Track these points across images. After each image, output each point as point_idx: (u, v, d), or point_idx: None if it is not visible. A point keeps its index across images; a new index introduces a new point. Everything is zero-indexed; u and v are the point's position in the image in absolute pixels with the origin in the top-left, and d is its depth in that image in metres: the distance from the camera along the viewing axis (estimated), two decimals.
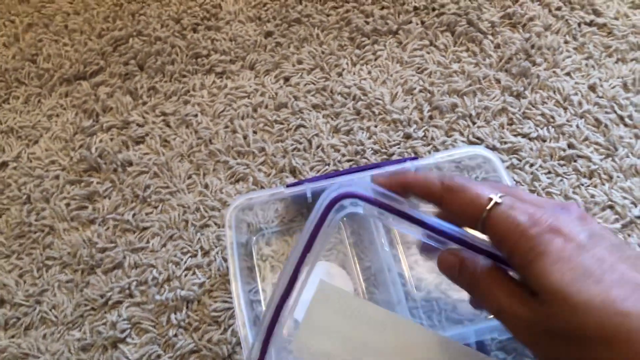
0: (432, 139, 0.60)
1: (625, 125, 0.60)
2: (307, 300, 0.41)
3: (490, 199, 0.34)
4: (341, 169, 0.59)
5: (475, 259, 0.36)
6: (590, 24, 0.68)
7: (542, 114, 0.62)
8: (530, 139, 0.60)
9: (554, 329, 0.30)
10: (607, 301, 0.28)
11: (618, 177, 0.57)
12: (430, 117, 0.62)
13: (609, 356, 0.28)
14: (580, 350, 0.29)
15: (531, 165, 0.58)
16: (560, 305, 0.29)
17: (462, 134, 0.61)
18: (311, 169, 0.59)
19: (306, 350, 0.41)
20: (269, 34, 0.70)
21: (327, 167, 0.59)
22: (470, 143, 0.60)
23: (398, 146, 0.60)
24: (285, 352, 0.41)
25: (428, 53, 0.67)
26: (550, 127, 0.61)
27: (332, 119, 0.63)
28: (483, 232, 0.34)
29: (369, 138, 0.61)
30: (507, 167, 0.58)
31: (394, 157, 0.59)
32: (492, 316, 0.36)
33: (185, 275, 0.54)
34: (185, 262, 0.55)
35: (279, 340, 0.40)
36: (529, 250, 0.31)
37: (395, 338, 0.40)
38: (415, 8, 0.71)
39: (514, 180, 0.57)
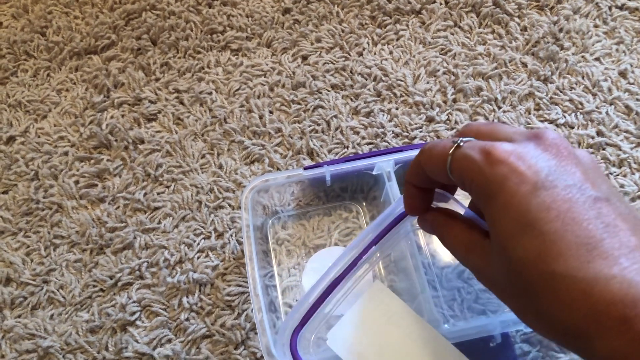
0: (456, 122, 0.58)
1: None
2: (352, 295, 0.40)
3: (453, 144, 0.31)
4: (360, 152, 0.57)
5: (438, 219, 0.35)
6: (622, 7, 0.65)
7: (570, 100, 0.59)
8: (558, 125, 0.58)
9: (498, 279, 0.29)
10: (541, 257, 0.25)
11: None
12: (454, 100, 0.60)
13: (539, 311, 0.26)
14: (518, 301, 0.28)
15: None
16: (503, 259, 0.27)
17: (487, 118, 0.58)
18: (329, 151, 0.57)
19: (341, 343, 0.40)
20: (287, 11, 0.68)
21: (345, 149, 0.57)
22: None
23: (420, 130, 0.58)
24: (317, 336, 0.40)
25: (452, 34, 0.65)
26: (578, 114, 0.58)
27: (351, 100, 0.60)
28: (453, 179, 0.32)
29: (390, 121, 0.59)
30: None
31: (416, 141, 0.57)
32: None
33: (198, 258, 0.52)
34: (199, 244, 0.53)
35: (316, 323, 0.39)
36: (483, 192, 0.29)
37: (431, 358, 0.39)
38: None
39: None
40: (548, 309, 0.25)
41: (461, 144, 0.31)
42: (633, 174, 0.55)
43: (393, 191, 0.49)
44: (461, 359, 0.39)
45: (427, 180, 0.34)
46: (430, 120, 0.59)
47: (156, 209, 0.55)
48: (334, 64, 0.63)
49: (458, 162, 0.30)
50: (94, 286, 0.52)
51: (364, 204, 0.55)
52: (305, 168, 0.50)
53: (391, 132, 0.58)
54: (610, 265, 0.24)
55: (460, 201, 0.37)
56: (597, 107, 0.59)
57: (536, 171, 0.27)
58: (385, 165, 0.50)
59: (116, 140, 0.59)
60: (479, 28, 0.65)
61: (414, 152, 0.50)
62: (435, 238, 0.52)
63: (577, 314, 0.24)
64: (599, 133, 0.57)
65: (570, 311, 0.24)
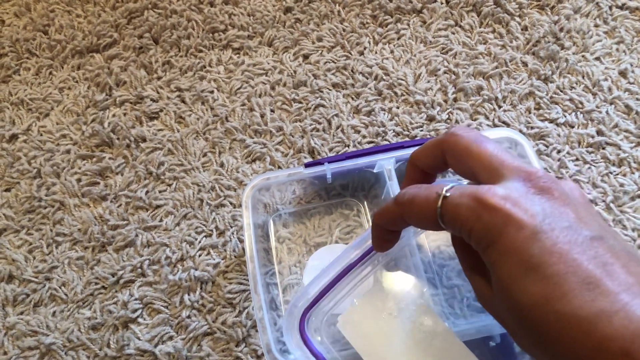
0: (457, 121, 0.58)
1: None
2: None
3: (439, 196, 0.32)
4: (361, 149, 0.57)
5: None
6: (622, 7, 0.66)
7: (571, 99, 0.59)
8: (558, 125, 0.58)
9: (500, 313, 0.30)
10: (546, 299, 0.26)
11: None
12: (455, 100, 0.60)
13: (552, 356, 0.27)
14: (522, 337, 0.29)
15: (558, 152, 0.56)
16: (508, 301, 0.28)
17: (487, 118, 0.59)
18: (330, 150, 0.57)
19: (351, 328, 0.40)
20: (288, 10, 0.68)
21: (346, 148, 0.57)
22: (496, 127, 0.58)
23: (421, 128, 0.58)
24: (329, 318, 0.41)
25: (453, 33, 0.65)
26: (578, 113, 0.59)
27: (352, 98, 0.61)
28: (446, 228, 0.33)
29: (391, 119, 0.59)
30: None
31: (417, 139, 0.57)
32: None
33: (200, 256, 0.52)
34: (200, 242, 0.53)
35: (327, 305, 0.40)
36: (483, 239, 0.30)
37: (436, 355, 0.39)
38: None
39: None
40: (553, 346, 0.26)
41: (447, 194, 0.31)
42: (633, 173, 0.55)
43: (394, 189, 0.49)
44: (468, 355, 0.39)
45: (404, 225, 0.36)
46: (431, 119, 0.59)
47: (158, 207, 0.55)
48: (335, 62, 0.63)
49: (450, 214, 0.31)
50: (96, 283, 0.52)
51: (365, 202, 0.55)
52: (306, 165, 0.50)
53: (392, 130, 0.58)
54: (612, 302, 0.25)
55: None
56: (597, 107, 0.59)
57: (532, 215, 0.28)
58: (386, 163, 0.50)
59: (118, 139, 0.59)
60: (480, 27, 0.65)
61: (415, 148, 0.50)
62: (436, 236, 0.52)
63: (582, 349, 0.25)
64: (599, 132, 0.57)
65: (575, 347, 0.25)
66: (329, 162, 0.50)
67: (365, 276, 0.42)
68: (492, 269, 0.30)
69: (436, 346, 0.40)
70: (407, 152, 0.50)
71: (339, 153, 0.57)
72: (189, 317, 0.50)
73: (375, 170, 0.51)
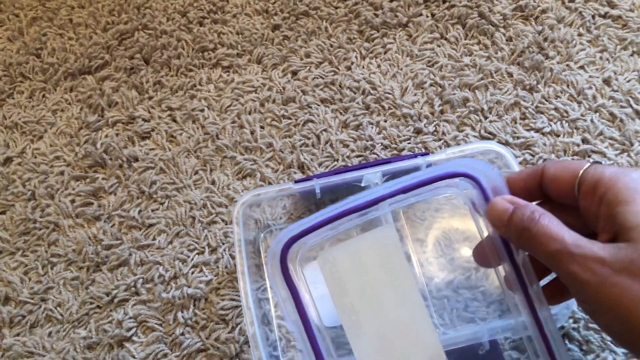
0: (443, 133, 0.59)
1: None
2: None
3: (588, 162, 0.35)
4: (350, 165, 0.58)
5: (529, 204, 0.35)
6: (605, 16, 0.67)
7: (556, 108, 0.60)
8: (544, 134, 0.59)
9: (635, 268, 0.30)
10: None
11: None
12: (441, 112, 0.61)
13: None
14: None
15: (544, 161, 0.57)
16: None
17: (473, 129, 0.60)
18: (320, 164, 0.58)
19: (329, 267, 0.40)
20: (276, 27, 0.69)
21: (335, 162, 0.58)
22: (482, 138, 0.59)
23: (408, 141, 0.59)
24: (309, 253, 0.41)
25: (439, 46, 0.66)
26: (563, 122, 0.59)
27: (341, 113, 0.62)
28: (579, 187, 0.35)
29: (379, 133, 0.60)
30: (520, 163, 0.57)
31: (404, 153, 0.58)
32: (543, 261, 0.35)
33: (192, 273, 0.53)
34: (192, 260, 0.54)
35: (313, 241, 0.40)
36: (620, 196, 0.31)
37: (405, 317, 0.40)
38: (426, 0, 0.69)
39: None
40: None
41: (598, 161, 0.35)
42: None
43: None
44: (433, 336, 0.40)
45: (535, 189, 0.38)
46: (418, 131, 0.60)
47: (151, 225, 0.56)
48: (323, 78, 0.64)
49: (596, 170, 0.34)
50: (91, 303, 0.53)
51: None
52: (296, 182, 0.51)
53: (380, 144, 0.59)
54: None
55: None
56: (582, 115, 0.60)
57: None
58: (372, 177, 0.51)
59: (111, 159, 0.60)
60: (465, 39, 0.66)
61: (401, 163, 0.51)
62: (424, 247, 0.53)
63: None
64: (584, 140, 0.58)
65: None
66: (317, 178, 0.51)
67: (360, 225, 0.42)
68: (626, 222, 0.31)
69: (405, 314, 0.40)
70: (393, 166, 0.51)
71: (328, 167, 0.58)
72: (182, 334, 0.50)
73: (362, 184, 0.52)
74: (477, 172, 0.39)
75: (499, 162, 0.53)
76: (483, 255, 0.41)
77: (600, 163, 0.35)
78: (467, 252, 0.52)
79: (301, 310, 0.38)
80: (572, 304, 0.45)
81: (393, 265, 0.40)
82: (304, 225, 0.39)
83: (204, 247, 0.54)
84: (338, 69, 0.65)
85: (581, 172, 0.35)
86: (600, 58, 0.64)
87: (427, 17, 0.68)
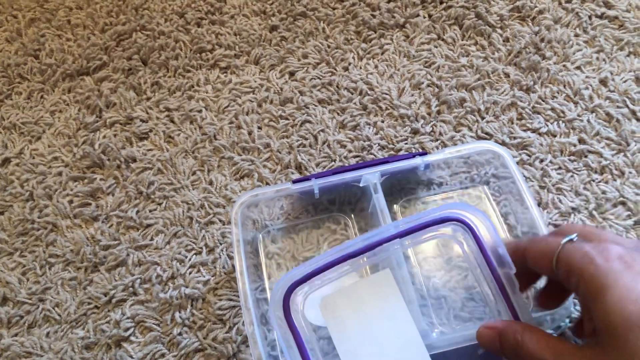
0: (440, 134, 0.59)
1: (638, 119, 0.59)
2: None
3: (564, 238, 0.35)
4: (347, 165, 0.58)
5: (513, 326, 0.37)
6: (601, 16, 0.67)
7: (552, 109, 0.60)
8: (540, 134, 0.59)
9: None
10: None
11: (630, 172, 0.56)
12: (438, 112, 0.61)
13: None
14: None
15: (541, 161, 0.57)
16: (618, 350, 0.29)
17: (470, 129, 0.60)
18: (317, 165, 0.58)
19: (331, 311, 0.42)
20: (274, 28, 0.69)
21: (333, 163, 0.58)
22: (479, 138, 0.59)
23: (405, 142, 0.59)
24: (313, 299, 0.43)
25: (436, 47, 0.66)
26: (560, 122, 0.60)
27: (338, 114, 0.62)
28: (556, 270, 0.35)
29: (376, 133, 0.60)
30: (517, 163, 0.57)
31: (402, 153, 0.58)
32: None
33: (190, 273, 0.53)
34: (190, 260, 0.54)
35: (314, 286, 0.42)
36: (594, 284, 0.31)
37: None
38: (423, 1, 0.70)
39: (524, 176, 0.56)
40: None
41: (574, 238, 0.35)
42: (614, 180, 0.56)
43: (380, 202, 0.50)
44: None
45: (521, 263, 0.39)
46: (415, 132, 0.60)
47: (148, 226, 0.56)
48: (320, 79, 0.64)
49: (568, 253, 0.34)
50: (89, 303, 0.53)
51: (352, 215, 0.56)
52: (294, 182, 0.51)
53: (377, 144, 0.59)
54: None
55: None
56: (578, 115, 0.60)
57: None
58: (371, 177, 0.51)
59: (109, 160, 0.61)
60: (462, 40, 0.67)
61: (400, 163, 0.52)
62: (421, 248, 0.53)
63: None
64: (581, 141, 0.58)
65: None
66: (315, 178, 0.51)
67: (356, 269, 0.43)
68: (603, 318, 0.30)
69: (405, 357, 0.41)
70: (392, 166, 0.51)
71: (326, 167, 0.58)
72: (180, 334, 0.50)
73: (361, 185, 0.52)
74: (471, 220, 0.42)
75: (495, 162, 0.53)
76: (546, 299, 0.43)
77: (572, 241, 0.35)
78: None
79: (305, 356, 0.39)
80: (570, 304, 0.45)
81: (391, 308, 0.42)
82: (305, 271, 0.41)
83: (201, 248, 0.55)
84: (335, 69, 0.65)
85: (555, 257, 0.35)
86: (597, 58, 0.64)
87: (424, 18, 0.68)
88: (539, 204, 0.54)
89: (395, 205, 0.56)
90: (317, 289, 0.42)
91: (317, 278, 0.41)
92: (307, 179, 0.51)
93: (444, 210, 0.42)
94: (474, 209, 0.43)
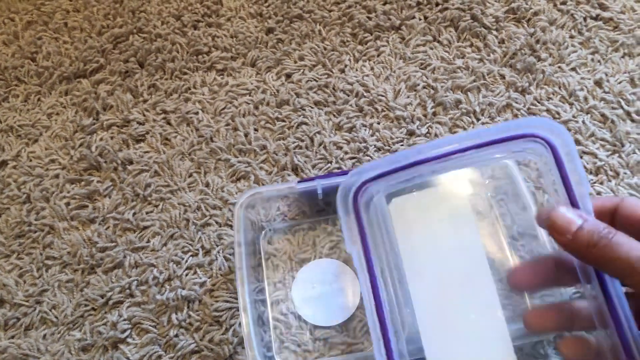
0: (436, 135, 0.60)
1: (632, 120, 0.59)
2: None
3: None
4: (344, 167, 0.58)
5: (601, 224, 0.33)
6: (596, 18, 0.67)
7: (548, 110, 0.61)
8: None
9: None
10: None
11: (625, 173, 0.56)
12: (434, 114, 0.61)
13: None
14: None
15: (536, 162, 0.57)
16: None
17: (466, 131, 0.60)
18: (313, 166, 0.59)
19: (401, 213, 0.41)
20: (270, 31, 0.70)
21: (329, 164, 0.59)
22: None
23: (401, 143, 0.59)
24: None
25: (431, 49, 0.66)
26: None
27: (334, 116, 0.62)
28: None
29: (372, 135, 0.60)
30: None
31: None
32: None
33: (186, 275, 0.53)
34: (186, 262, 0.54)
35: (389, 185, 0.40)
36: None
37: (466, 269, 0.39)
38: (418, 3, 0.70)
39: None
40: None
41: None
42: (609, 181, 0.56)
43: (380, 203, 0.50)
44: (491, 288, 0.39)
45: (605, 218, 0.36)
46: (411, 133, 0.60)
47: (145, 228, 0.57)
48: (316, 81, 0.65)
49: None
50: (86, 305, 0.53)
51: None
52: (299, 182, 0.52)
53: (373, 146, 0.59)
54: None
55: None
56: (573, 117, 0.60)
57: None
58: None
59: (105, 162, 0.61)
60: (458, 42, 0.67)
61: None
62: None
63: None
64: (576, 142, 0.58)
65: None
66: (319, 179, 0.51)
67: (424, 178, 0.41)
68: None
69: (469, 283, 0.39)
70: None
71: (322, 169, 0.58)
72: (176, 335, 0.51)
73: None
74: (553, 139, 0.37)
75: (497, 173, 0.53)
76: (525, 277, 0.41)
77: None
78: None
79: (369, 259, 0.38)
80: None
81: (460, 219, 0.41)
82: (377, 170, 0.38)
83: (198, 249, 0.55)
84: (331, 71, 0.65)
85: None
86: (592, 60, 0.64)
87: (420, 20, 0.69)
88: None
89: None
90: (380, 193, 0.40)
91: (383, 180, 0.39)
92: (311, 179, 0.52)
93: (524, 126, 0.38)
94: (559, 128, 0.37)
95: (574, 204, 0.35)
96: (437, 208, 0.41)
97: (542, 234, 0.49)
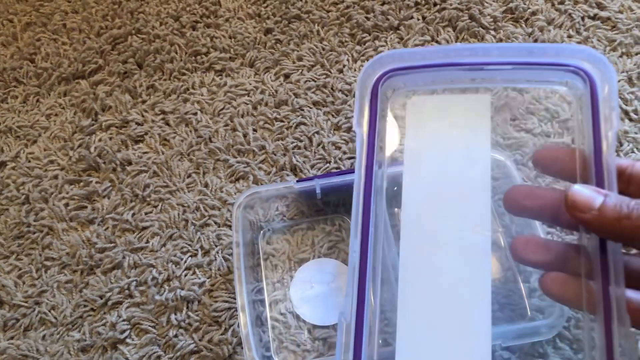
0: None
1: (631, 120, 0.59)
2: None
3: None
4: (342, 167, 0.58)
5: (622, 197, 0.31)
6: (594, 17, 0.67)
7: (546, 109, 0.61)
8: (534, 135, 0.59)
9: None
10: None
11: None
12: None
13: None
14: None
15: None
16: None
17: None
18: (312, 167, 0.59)
19: (417, 110, 0.38)
20: (268, 31, 0.70)
21: (328, 164, 0.59)
22: None
23: (400, 143, 0.59)
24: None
25: None
26: (554, 122, 0.60)
27: (333, 116, 0.62)
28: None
29: None
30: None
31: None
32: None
33: (185, 275, 0.53)
34: (185, 262, 0.54)
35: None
36: None
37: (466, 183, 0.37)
38: (417, 3, 0.70)
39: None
40: None
41: None
42: None
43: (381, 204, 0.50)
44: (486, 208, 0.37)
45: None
46: None
47: (144, 228, 0.57)
48: (315, 81, 0.65)
49: None
50: (85, 306, 0.53)
51: (346, 217, 0.56)
52: (298, 181, 0.52)
53: None
54: None
55: None
56: (572, 115, 0.60)
57: None
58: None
59: (104, 163, 0.61)
60: (456, 42, 0.67)
61: (399, 167, 0.51)
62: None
63: None
64: (574, 141, 0.58)
65: None
66: (318, 179, 0.51)
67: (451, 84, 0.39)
68: None
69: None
70: (395, 169, 0.51)
71: (321, 169, 0.59)
72: (176, 336, 0.51)
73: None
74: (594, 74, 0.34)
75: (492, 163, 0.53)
76: (522, 197, 0.38)
77: None
78: None
79: (371, 144, 0.35)
80: (568, 310, 0.46)
81: (474, 135, 0.38)
82: (405, 61, 0.36)
83: (197, 250, 0.55)
84: (330, 71, 0.65)
85: None
86: None
87: (418, 20, 0.69)
88: None
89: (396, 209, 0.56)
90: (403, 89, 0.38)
91: (409, 76, 0.36)
92: (310, 179, 0.52)
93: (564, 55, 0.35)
94: (605, 63, 0.34)
95: (597, 149, 0.33)
96: (456, 117, 0.38)
97: (541, 233, 0.49)
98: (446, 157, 0.38)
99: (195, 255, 0.55)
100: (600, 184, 0.33)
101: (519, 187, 0.40)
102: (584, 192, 0.32)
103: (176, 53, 0.68)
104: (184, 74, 0.67)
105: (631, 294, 0.32)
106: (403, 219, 0.37)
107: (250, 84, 0.65)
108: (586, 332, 0.34)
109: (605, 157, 0.33)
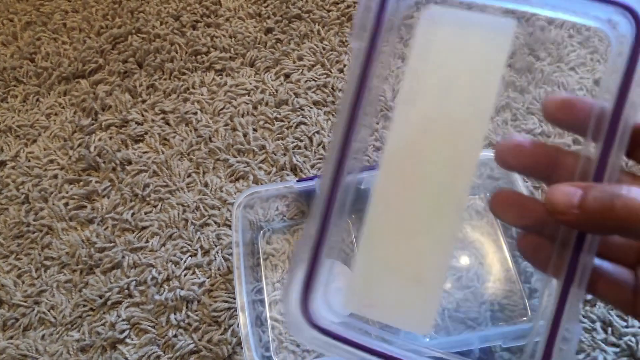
0: None
1: None
2: None
3: None
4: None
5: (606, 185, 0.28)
6: None
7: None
8: (535, 135, 0.59)
9: None
10: None
11: None
12: None
13: None
14: None
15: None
16: None
17: None
18: (312, 166, 0.59)
19: (429, 24, 0.34)
20: (269, 31, 0.69)
21: None
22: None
23: None
24: None
25: None
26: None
27: (333, 115, 0.62)
28: None
29: (371, 135, 0.60)
30: None
31: None
32: None
33: (185, 275, 0.53)
34: (185, 262, 0.54)
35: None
36: None
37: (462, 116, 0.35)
38: (417, 3, 0.70)
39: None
40: None
41: None
42: None
43: None
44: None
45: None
46: None
47: (144, 228, 0.56)
48: (315, 81, 0.65)
49: None
50: (84, 306, 0.53)
51: (352, 216, 0.56)
52: (298, 181, 0.52)
53: (372, 145, 0.59)
54: None
55: None
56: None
57: None
58: (372, 179, 0.51)
59: (104, 162, 0.61)
60: None
61: None
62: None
63: None
64: (575, 141, 0.58)
65: None
66: (318, 178, 0.51)
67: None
68: None
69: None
70: None
71: (321, 169, 0.58)
72: (175, 336, 0.50)
73: (362, 187, 0.52)
74: None
75: (492, 163, 0.53)
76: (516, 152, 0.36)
77: None
78: (458, 254, 0.53)
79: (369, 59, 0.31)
80: None
81: (485, 66, 0.34)
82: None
83: (196, 250, 0.55)
84: (330, 71, 0.65)
85: None
86: (591, 59, 0.64)
87: (419, 19, 0.69)
88: None
89: None
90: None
91: None
92: (310, 179, 0.52)
93: None
94: None
95: (620, 105, 0.30)
96: (471, 38, 0.35)
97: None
98: (449, 88, 0.35)
99: (195, 255, 0.54)
100: (609, 142, 0.30)
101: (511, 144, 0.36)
102: (561, 191, 0.30)
103: (176, 52, 0.68)
104: (184, 74, 0.67)
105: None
106: (392, 130, 0.34)
107: (250, 84, 0.65)
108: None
109: (625, 116, 0.30)
